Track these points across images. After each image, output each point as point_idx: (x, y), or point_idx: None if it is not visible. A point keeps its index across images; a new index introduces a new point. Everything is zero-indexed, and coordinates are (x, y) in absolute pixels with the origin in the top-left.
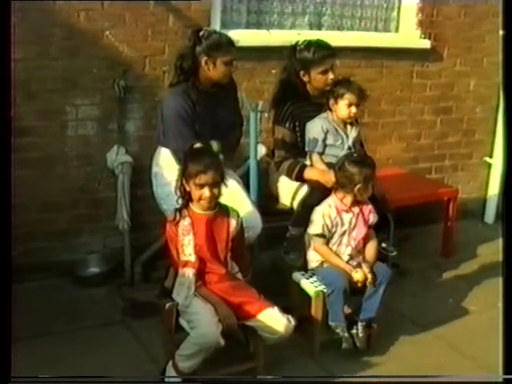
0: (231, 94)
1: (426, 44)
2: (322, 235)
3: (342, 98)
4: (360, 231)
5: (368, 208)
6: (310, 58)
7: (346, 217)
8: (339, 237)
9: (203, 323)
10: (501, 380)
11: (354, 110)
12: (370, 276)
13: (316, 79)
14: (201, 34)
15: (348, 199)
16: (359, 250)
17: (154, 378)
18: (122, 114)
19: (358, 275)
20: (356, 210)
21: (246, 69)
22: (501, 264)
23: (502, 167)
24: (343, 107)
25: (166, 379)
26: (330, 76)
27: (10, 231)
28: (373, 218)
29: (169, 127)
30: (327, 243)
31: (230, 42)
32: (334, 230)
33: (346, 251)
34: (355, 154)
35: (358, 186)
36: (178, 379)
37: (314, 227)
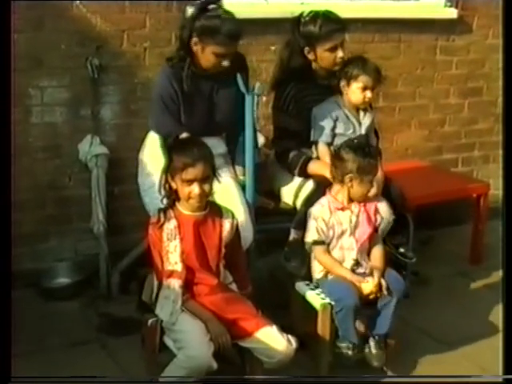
0: (235, 76)
1: (452, 13)
2: (320, 242)
3: (356, 79)
4: (363, 231)
5: (373, 205)
6: (316, 33)
7: (343, 216)
8: (338, 239)
9: (192, 343)
10: (501, 380)
11: (369, 94)
12: (382, 284)
13: (323, 57)
14: (209, 7)
15: (341, 195)
16: (366, 254)
17: (153, 378)
18: (95, 97)
19: (369, 286)
20: (356, 207)
21: (241, 45)
22: None
23: None
24: (357, 91)
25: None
26: (340, 54)
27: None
28: (380, 219)
29: (152, 108)
30: (328, 252)
31: (229, 32)
32: (330, 232)
33: (349, 255)
34: (355, 140)
35: (348, 176)
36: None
37: (309, 233)
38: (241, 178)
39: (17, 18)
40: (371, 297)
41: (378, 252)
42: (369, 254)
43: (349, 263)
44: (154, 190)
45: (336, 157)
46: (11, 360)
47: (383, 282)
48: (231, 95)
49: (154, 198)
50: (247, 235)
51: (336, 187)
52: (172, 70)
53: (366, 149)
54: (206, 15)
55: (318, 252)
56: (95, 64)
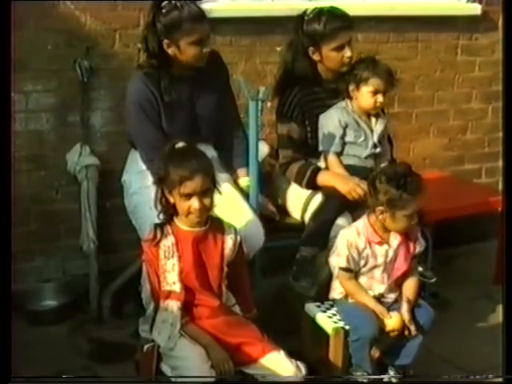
0: (219, 78)
1: (476, 9)
2: (347, 269)
3: (366, 83)
4: (398, 268)
5: (415, 233)
6: (320, 31)
7: (380, 249)
8: (369, 270)
9: (191, 371)
10: (501, 380)
11: (380, 98)
12: (408, 322)
13: (329, 57)
14: (162, 5)
15: (379, 224)
16: (395, 287)
17: (154, 378)
18: (85, 103)
19: (392, 322)
20: (396, 239)
21: (243, 46)
22: None
23: None
24: (367, 95)
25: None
26: (347, 53)
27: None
28: (419, 247)
29: (130, 123)
30: (355, 276)
31: (193, 17)
32: (362, 262)
33: (377, 288)
34: (394, 168)
35: (379, 208)
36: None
37: (338, 258)
38: (245, 179)
39: None
40: (393, 334)
41: (411, 284)
42: (400, 285)
43: (373, 294)
44: (139, 210)
45: (371, 184)
46: (11, 360)
47: (408, 319)
48: (214, 97)
49: (139, 219)
50: (257, 236)
51: (373, 216)
52: (147, 76)
53: (401, 180)
54: (163, 13)
55: (342, 277)
56: (85, 66)
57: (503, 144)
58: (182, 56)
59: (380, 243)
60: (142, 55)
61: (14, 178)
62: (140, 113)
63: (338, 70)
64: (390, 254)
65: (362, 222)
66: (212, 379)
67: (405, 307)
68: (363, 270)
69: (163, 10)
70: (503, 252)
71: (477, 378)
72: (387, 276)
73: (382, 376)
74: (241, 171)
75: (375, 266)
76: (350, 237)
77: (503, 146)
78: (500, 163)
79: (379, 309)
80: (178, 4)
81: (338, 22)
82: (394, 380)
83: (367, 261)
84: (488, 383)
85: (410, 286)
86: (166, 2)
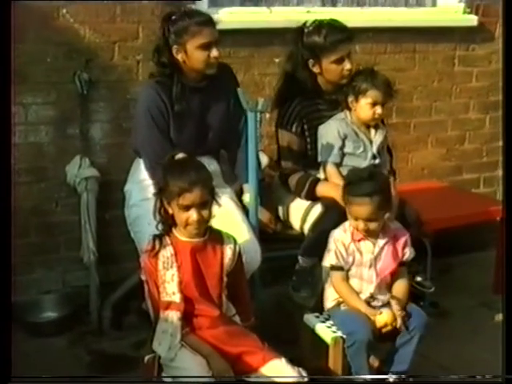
0: (228, 91)
1: (472, 20)
2: (338, 267)
3: (365, 95)
4: (385, 266)
5: (403, 238)
6: (320, 43)
7: (365, 245)
8: (357, 268)
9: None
10: (501, 380)
11: (379, 110)
12: (398, 316)
13: (329, 70)
14: (171, 18)
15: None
16: (385, 288)
17: (154, 378)
18: (84, 115)
19: (383, 318)
20: (382, 239)
21: (242, 57)
22: None
23: None
24: (365, 107)
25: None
26: (347, 66)
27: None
28: (409, 254)
29: (138, 130)
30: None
31: (200, 21)
32: (350, 259)
33: (367, 288)
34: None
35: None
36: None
37: (328, 257)
38: (246, 195)
39: None
40: (385, 329)
41: (400, 286)
42: (390, 288)
43: (365, 296)
44: (139, 222)
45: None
46: (11, 360)
47: (399, 313)
48: (223, 110)
49: (138, 232)
50: (253, 256)
51: None
52: (159, 85)
53: (353, 181)
54: (172, 21)
55: (335, 278)
56: (84, 79)
57: (503, 153)
58: (190, 61)
59: (363, 240)
60: (154, 66)
61: (13, 190)
62: (149, 121)
63: (338, 82)
64: (376, 250)
65: (349, 221)
66: (211, 379)
67: (392, 303)
68: (352, 270)
69: (173, 18)
70: (503, 261)
71: (477, 378)
72: (375, 274)
73: (381, 376)
74: (246, 186)
75: (362, 263)
76: (337, 233)
77: (503, 156)
78: (499, 172)
79: (370, 310)
80: (187, 10)
81: (338, 35)
82: (391, 380)
83: (354, 257)
84: (487, 383)
85: (398, 288)
86: (176, 13)
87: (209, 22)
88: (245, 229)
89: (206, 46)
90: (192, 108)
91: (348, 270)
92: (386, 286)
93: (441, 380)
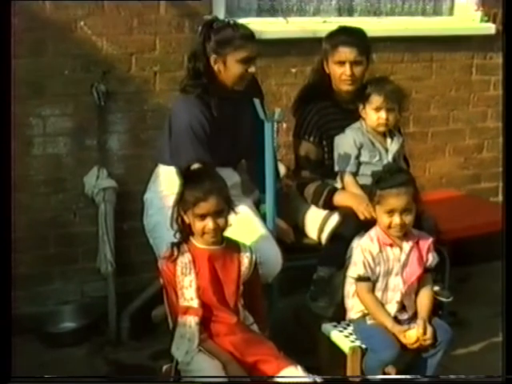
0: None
1: (490, 29)
2: (365, 278)
3: (368, 100)
4: (412, 272)
5: (427, 243)
6: (327, 45)
7: (392, 252)
8: (384, 278)
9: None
10: (501, 380)
11: (383, 115)
12: (427, 337)
13: (332, 71)
14: (213, 25)
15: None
16: (412, 294)
17: (155, 378)
18: (102, 126)
19: (413, 335)
20: (408, 244)
21: (259, 68)
22: None
23: None
24: (370, 112)
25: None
26: (347, 71)
27: None
28: (432, 259)
29: (179, 142)
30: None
31: (244, 35)
32: (377, 269)
33: (394, 297)
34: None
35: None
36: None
37: (355, 267)
38: (264, 205)
39: (15, 41)
40: (416, 345)
41: (425, 296)
42: (416, 296)
43: (393, 307)
44: (158, 229)
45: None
46: (11, 360)
47: (429, 329)
48: (251, 121)
49: (157, 238)
50: (274, 259)
51: None
52: (195, 98)
53: (380, 176)
54: (215, 30)
55: (361, 289)
56: (101, 90)
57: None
58: (227, 73)
59: (391, 245)
60: (186, 77)
61: (32, 201)
62: (191, 135)
63: (344, 88)
64: (403, 257)
65: (374, 229)
66: (223, 379)
67: (421, 321)
68: (380, 280)
69: (215, 27)
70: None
71: (477, 378)
72: (402, 281)
73: (384, 376)
74: (264, 197)
75: (389, 272)
76: (363, 243)
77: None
78: None
79: (397, 329)
80: (231, 22)
81: (342, 37)
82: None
83: (381, 266)
84: (487, 383)
85: (423, 299)
86: (216, 21)
87: (252, 36)
88: (264, 233)
89: (247, 61)
90: (224, 119)
91: (375, 281)
92: (414, 293)
93: (441, 380)
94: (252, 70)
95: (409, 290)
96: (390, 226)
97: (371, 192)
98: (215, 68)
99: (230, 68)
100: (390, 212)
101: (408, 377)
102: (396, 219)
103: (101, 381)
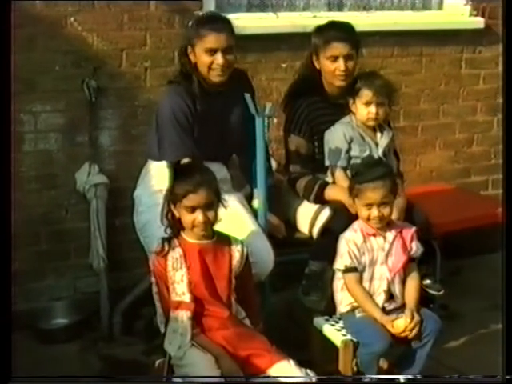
0: (243, 95)
1: (479, 23)
2: (352, 269)
3: (358, 95)
4: (397, 260)
5: (410, 232)
6: (318, 40)
7: (376, 242)
8: (370, 268)
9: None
10: (501, 380)
11: (373, 109)
12: (414, 325)
13: (324, 66)
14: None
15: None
16: (400, 285)
17: (155, 378)
18: (93, 122)
19: (400, 324)
20: (391, 234)
21: (249, 63)
22: None
23: None
24: (361, 107)
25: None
26: (341, 67)
27: None
28: (416, 248)
29: (164, 135)
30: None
31: (211, 26)
32: (363, 259)
33: (381, 287)
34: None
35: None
36: (179, 379)
37: (341, 259)
38: (256, 200)
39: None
40: (403, 335)
41: (412, 285)
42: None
43: (380, 298)
44: (148, 227)
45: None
46: (11, 360)
47: (416, 318)
48: (240, 116)
49: (147, 237)
50: (266, 257)
51: None
52: (181, 88)
53: (359, 170)
54: (192, 23)
55: (349, 280)
56: (92, 86)
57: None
58: (199, 64)
59: (374, 235)
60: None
61: (23, 197)
62: (175, 124)
63: (335, 83)
64: (387, 246)
65: (357, 221)
66: (221, 379)
67: (408, 310)
68: (366, 270)
69: (195, 20)
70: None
71: (477, 378)
72: (388, 270)
73: (388, 376)
74: (255, 191)
75: (374, 261)
76: (348, 235)
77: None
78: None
79: (386, 319)
80: (208, 14)
81: (335, 32)
82: (402, 380)
83: (366, 256)
84: (487, 383)
85: (410, 288)
86: (200, 15)
87: (220, 28)
88: (256, 230)
89: (212, 52)
90: (211, 113)
91: (362, 272)
92: (401, 282)
93: (441, 380)
94: (218, 61)
95: (395, 278)
96: (369, 218)
97: (349, 186)
98: (191, 59)
99: (199, 58)
100: (368, 205)
101: (408, 377)
102: (374, 212)
103: (101, 381)
